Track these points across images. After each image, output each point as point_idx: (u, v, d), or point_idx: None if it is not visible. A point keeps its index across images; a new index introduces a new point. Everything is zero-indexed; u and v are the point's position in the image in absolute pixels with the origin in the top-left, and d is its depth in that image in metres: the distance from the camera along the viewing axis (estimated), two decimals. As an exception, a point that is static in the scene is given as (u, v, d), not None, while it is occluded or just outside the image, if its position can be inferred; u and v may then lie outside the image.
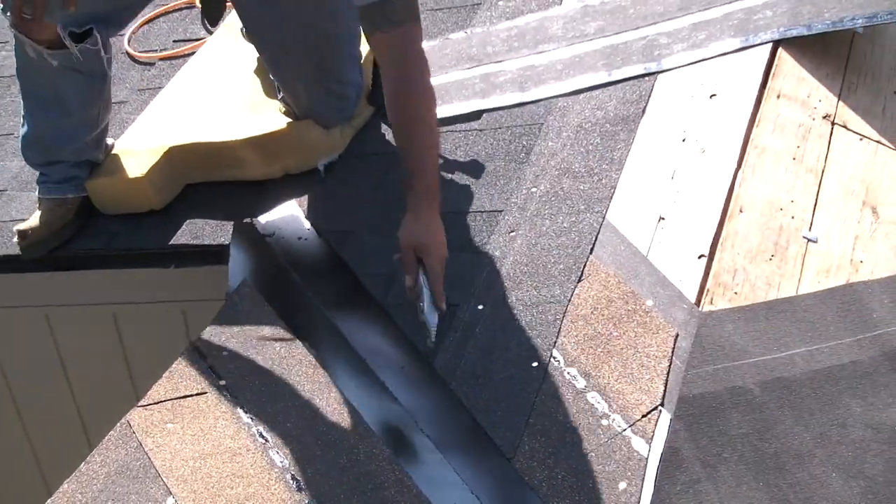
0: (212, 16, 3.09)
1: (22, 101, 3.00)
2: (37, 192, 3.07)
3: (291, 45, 2.81)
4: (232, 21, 3.38)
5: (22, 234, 3.02)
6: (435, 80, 3.01)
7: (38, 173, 3.06)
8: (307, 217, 2.74)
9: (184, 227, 2.91)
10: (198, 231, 2.89)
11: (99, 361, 3.44)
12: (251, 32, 2.97)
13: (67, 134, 2.95)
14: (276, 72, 2.91)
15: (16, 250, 3.09)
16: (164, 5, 3.94)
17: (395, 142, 2.44)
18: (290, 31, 2.78)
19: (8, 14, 2.78)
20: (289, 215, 2.75)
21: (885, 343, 2.27)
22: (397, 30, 2.35)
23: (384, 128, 2.99)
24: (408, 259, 2.30)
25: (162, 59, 3.70)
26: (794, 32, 2.76)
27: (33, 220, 3.05)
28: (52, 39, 2.78)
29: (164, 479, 2.11)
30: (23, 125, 3.01)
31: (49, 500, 2.11)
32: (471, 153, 2.79)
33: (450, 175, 2.75)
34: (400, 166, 2.39)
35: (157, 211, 3.00)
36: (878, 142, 2.73)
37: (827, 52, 2.85)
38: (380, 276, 2.52)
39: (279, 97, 2.96)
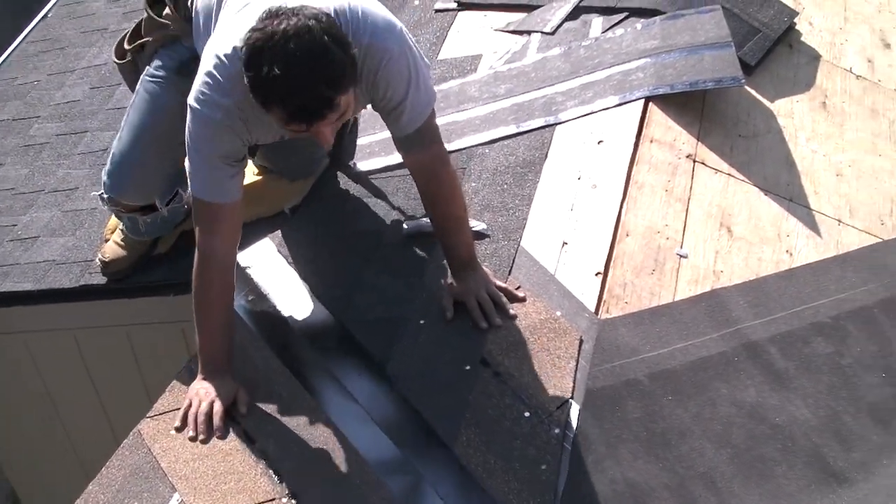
0: None
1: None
2: (120, 229, 2.83)
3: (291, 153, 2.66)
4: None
5: (105, 264, 2.83)
6: (376, 136, 2.89)
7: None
8: (279, 250, 2.58)
9: (178, 264, 2.74)
10: (189, 267, 2.73)
11: (118, 372, 3.27)
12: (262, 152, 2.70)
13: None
14: (268, 160, 2.71)
15: (45, 285, 2.94)
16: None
17: (435, 227, 2.31)
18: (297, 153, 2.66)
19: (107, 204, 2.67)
20: (263, 249, 2.58)
21: (743, 336, 2.21)
22: (428, 150, 2.22)
23: (339, 175, 2.81)
24: (449, 304, 2.22)
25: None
26: (661, 91, 2.68)
27: (112, 250, 2.83)
28: (143, 208, 2.65)
29: (170, 478, 1.96)
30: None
31: (77, 501, 1.95)
32: (410, 194, 2.64)
33: (392, 211, 2.60)
34: (440, 243, 2.30)
35: (161, 254, 2.85)
36: (728, 174, 2.66)
37: (686, 105, 2.76)
38: (338, 292, 2.37)
39: (253, 159, 2.72)
